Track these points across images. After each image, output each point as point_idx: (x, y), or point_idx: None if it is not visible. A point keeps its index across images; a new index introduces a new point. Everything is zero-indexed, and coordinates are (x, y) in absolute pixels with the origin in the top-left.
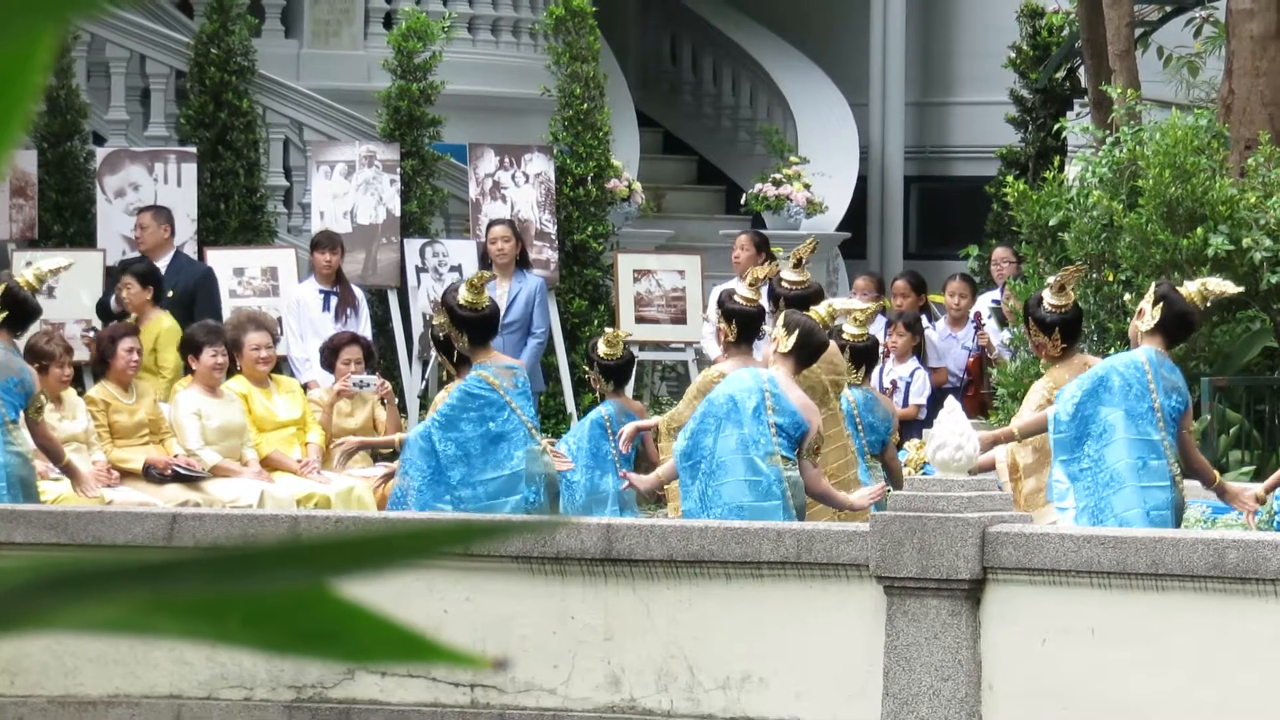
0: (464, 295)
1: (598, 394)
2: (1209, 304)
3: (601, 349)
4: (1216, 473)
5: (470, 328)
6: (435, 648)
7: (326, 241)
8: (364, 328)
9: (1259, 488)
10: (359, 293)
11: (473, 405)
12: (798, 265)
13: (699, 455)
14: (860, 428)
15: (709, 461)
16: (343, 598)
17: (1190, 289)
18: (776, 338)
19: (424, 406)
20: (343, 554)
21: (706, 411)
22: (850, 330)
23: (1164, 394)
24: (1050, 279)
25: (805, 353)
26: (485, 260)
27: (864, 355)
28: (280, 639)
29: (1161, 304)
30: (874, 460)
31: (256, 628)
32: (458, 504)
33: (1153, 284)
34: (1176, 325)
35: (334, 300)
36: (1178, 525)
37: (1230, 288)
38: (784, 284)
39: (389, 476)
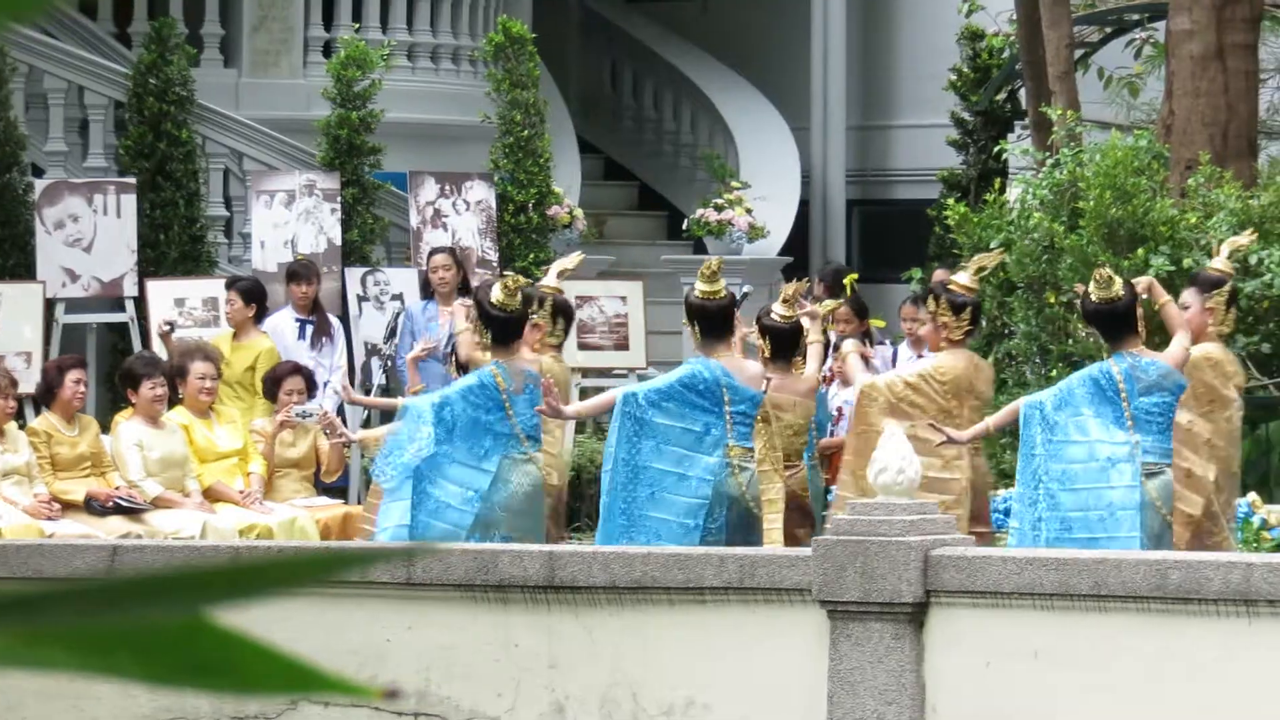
0: (498, 295)
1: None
2: (987, 278)
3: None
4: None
5: (495, 326)
6: (323, 678)
7: (304, 271)
8: (339, 356)
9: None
10: (335, 321)
11: (475, 393)
12: (712, 277)
13: (646, 417)
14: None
15: (654, 431)
16: (230, 629)
17: (962, 280)
18: (692, 334)
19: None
20: (214, 583)
21: (686, 383)
22: (779, 311)
23: (1139, 395)
24: (970, 264)
25: (709, 324)
26: (427, 288)
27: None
28: (168, 671)
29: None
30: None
31: (144, 660)
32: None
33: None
34: (1106, 319)
35: (309, 329)
36: (1151, 513)
37: (995, 258)
38: (698, 295)
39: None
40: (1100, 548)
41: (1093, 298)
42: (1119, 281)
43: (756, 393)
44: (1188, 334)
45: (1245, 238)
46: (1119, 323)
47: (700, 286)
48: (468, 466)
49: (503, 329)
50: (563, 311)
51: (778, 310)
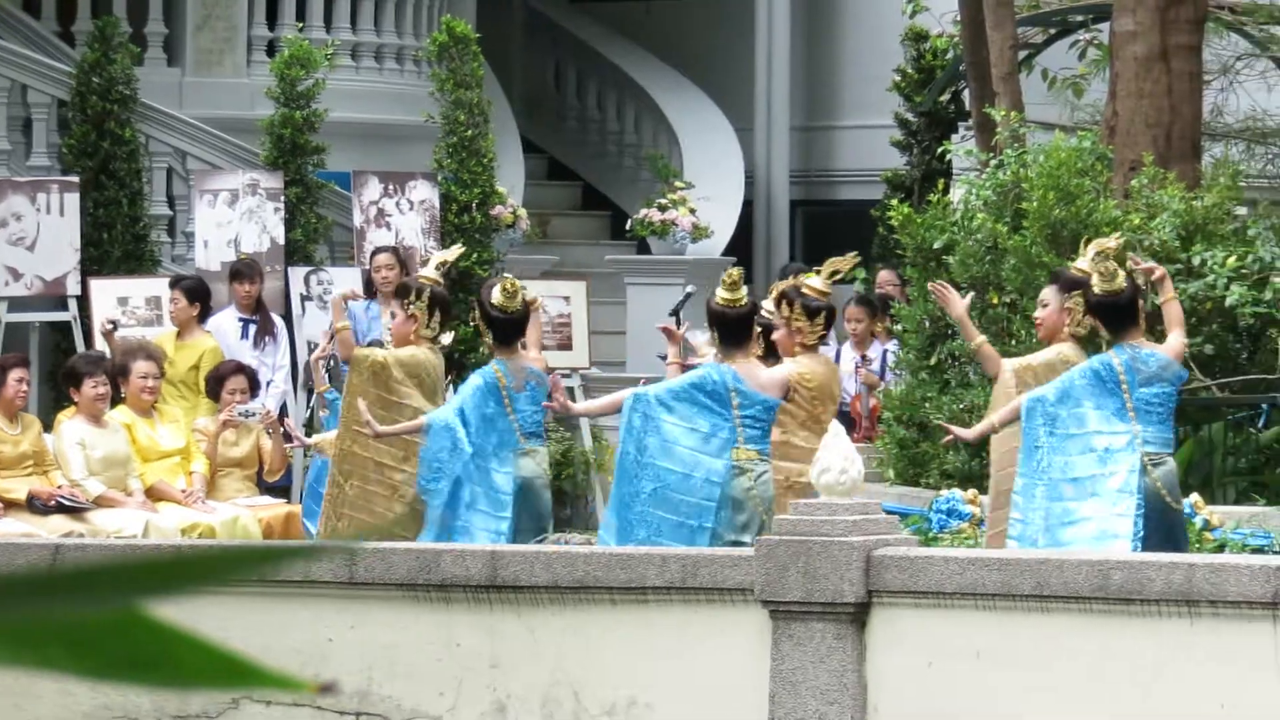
0: (497, 298)
1: None
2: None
3: None
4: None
5: (496, 327)
6: (258, 672)
7: (247, 270)
8: (283, 355)
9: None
10: (278, 320)
11: (480, 391)
12: (733, 286)
13: (654, 415)
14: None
15: (660, 430)
16: (165, 623)
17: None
18: (712, 340)
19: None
20: (149, 577)
21: (696, 385)
22: (770, 309)
23: (1139, 386)
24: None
25: (728, 331)
26: (370, 288)
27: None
28: (102, 665)
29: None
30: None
31: (79, 654)
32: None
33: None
34: (1109, 311)
35: (253, 328)
36: (1157, 503)
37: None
38: (719, 303)
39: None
40: (1100, 534)
41: (1096, 290)
42: (1122, 274)
43: (769, 398)
44: (1183, 329)
45: (1112, 240)
46: (1122, 315)
47: (721, 294)
48: (488, 469)
49: (503, 329)
50: (439, 304)
51: (769, 308)
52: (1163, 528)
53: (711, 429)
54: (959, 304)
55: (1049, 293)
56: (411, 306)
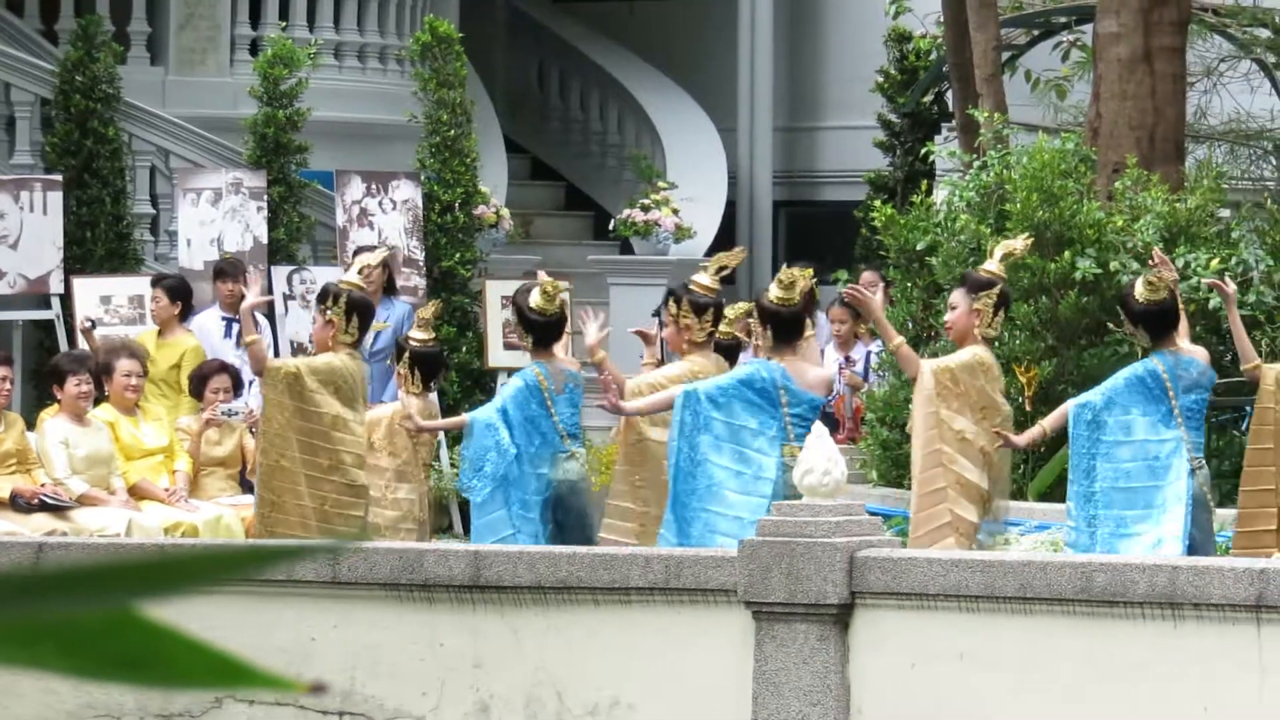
0: (536, 301)
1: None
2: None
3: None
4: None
5: (536, 330)
6: (250, 671)
7: (230, 269)
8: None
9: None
10: (262, 320)
11: (523, 393)
12: (789, 286)
13: (705, 413)
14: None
15: (711, 428)
16: (157, 623)
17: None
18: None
19: None
20: (139, 577)
21: (745, 382)
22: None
23: (1182, 393)
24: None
25: (780, 329)
26: None
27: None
28: (94, 664)
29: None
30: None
31: (70, 653)
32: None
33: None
34: (1155, 319)
35: (236, 327)
36: (1201, 507)
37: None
38: (772, 300)
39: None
40: (1156, 543)
41: (1139, 299)
42: (1165, 283)
43: (815, 396)
44: (1188, 340)
45: (1020, 242)
46: (1166, 321)
47: (775, 292)
48: (528, 472)
49: (543, 332)
50: (359, 309)
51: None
52: (1207, 528)
53: (760, 426)
54: (876, 306)
55: (958, 295)
56: (329, 312)
